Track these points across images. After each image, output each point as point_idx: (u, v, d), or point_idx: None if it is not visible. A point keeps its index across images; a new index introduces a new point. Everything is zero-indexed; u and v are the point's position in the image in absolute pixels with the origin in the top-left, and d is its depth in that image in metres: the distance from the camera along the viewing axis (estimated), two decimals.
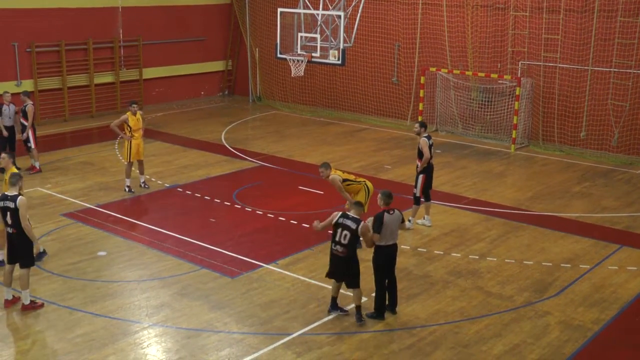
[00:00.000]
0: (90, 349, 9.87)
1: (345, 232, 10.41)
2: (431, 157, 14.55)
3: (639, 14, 20.05)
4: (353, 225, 10.39)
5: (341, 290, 10.95)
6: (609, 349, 10.25)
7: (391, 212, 10.70)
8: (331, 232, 10.78)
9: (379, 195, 10.89)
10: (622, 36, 20.40)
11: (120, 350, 9.89)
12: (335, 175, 13.30)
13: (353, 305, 10.85)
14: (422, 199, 14.81)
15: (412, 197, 14.89)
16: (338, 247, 10.53)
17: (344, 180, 13.35)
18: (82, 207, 15.77)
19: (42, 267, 12.36)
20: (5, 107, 18.04)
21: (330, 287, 11.07)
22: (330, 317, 10.84)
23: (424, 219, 14.91)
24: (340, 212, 10.70)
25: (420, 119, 22.16)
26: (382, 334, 10.50)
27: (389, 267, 10.90)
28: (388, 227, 10.58)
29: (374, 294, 11.00)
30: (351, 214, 10.59)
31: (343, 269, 10.66)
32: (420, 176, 14.62)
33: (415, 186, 14.73)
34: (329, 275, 10.88)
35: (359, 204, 10.95)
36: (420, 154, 14.54)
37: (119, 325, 10.59)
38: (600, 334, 10.60)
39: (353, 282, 10.71)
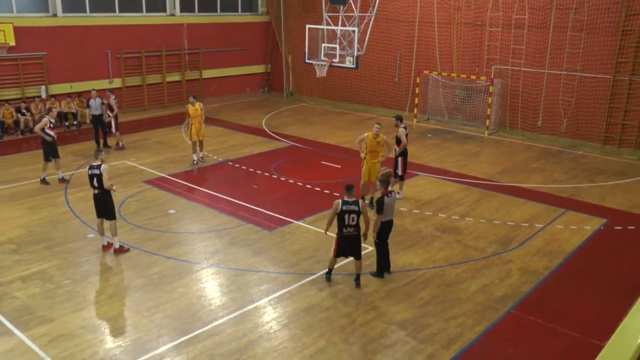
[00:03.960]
0: (163, 283, 9.99)
1: (352, 215, 9.44)
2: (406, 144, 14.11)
3: (583, 29, 19.60)
4: (356, 207, 9.46)
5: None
6: (556, 288, 10.17)
7: (389, 195, 10.20)
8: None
9: (377, 182, 10.38)
10: (571, 47, 19.96)
11: (185, 284, 9.99)
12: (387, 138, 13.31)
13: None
14: (400, 176, 14.31)
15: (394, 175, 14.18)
16: (350, 229, 9.53)
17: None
18: (157, 176, 15.85)
19: (127, 221, 12.46)
20: (92, 101, 18.09)
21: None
22: (343, 262, 10.71)
23: (398, 193, 14.54)
24: (340, 201, 9.44)
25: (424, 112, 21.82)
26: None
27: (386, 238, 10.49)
28: (388, 206, 10.14)
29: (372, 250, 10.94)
30: (348, 199, 9.46)
31: (353, 246, 9.74)
32: (400, 159, 14.11)
33: (396, 167, 14.09)
34: (339, 254, 9.79)
35: (349, 188, 9.65)
36: (398, 141, 14.03)
37: (184, 266, 10.68)
38: (549, 277, 10.53)
39: (360, 254, 9.88)
